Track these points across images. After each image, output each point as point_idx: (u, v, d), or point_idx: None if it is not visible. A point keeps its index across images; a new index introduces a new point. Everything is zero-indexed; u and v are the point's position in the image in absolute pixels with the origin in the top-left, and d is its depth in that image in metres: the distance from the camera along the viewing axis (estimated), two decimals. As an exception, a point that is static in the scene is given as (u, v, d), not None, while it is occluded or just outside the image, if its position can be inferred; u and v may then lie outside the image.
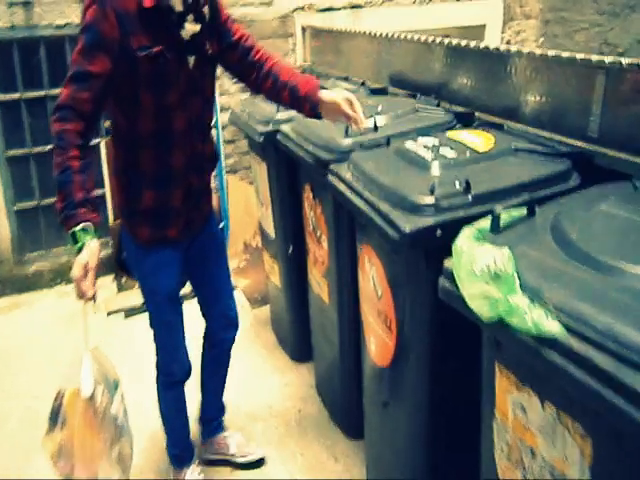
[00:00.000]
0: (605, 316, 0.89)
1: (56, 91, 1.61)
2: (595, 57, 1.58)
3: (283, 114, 2.38)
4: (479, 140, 1.67)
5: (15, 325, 3.24)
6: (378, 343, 1.76)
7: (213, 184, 2.23)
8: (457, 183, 1.41)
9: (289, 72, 1.88)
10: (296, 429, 2.41)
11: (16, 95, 3.38)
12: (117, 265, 3.32)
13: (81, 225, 1.51)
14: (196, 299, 2.10)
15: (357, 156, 1.77)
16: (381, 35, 2.69)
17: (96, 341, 1.65)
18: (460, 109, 2.09)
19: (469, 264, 1.02)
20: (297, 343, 2.79)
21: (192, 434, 2.18)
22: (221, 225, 3.39)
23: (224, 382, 2.23)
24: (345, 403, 2.32)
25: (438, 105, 2.15)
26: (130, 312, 3.19)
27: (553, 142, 1.67)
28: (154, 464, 2.24)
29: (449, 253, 1.14)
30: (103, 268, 3.26)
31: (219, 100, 3.41)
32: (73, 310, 1.62)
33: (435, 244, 1.35)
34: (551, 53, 1.74)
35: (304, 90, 1.82)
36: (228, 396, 2.30)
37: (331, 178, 1.81)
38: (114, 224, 3.37)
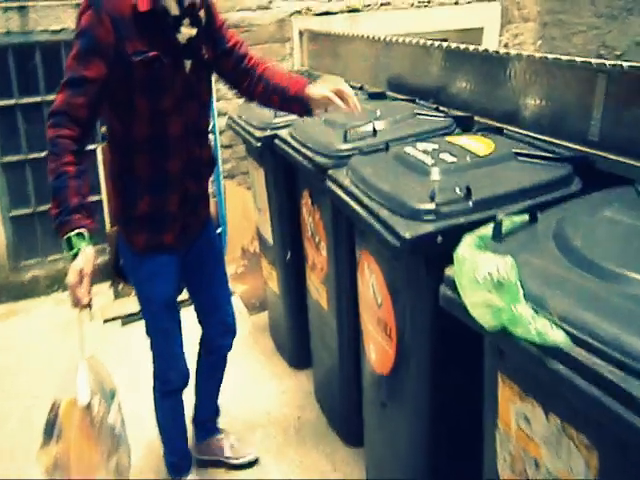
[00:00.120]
0: (611, 325, 0.88)
1: (52, 97, 1.59)
2: (596, 60, 1.56)
3: (281, 119, 2.37)
4: (479, 145, 1.65)
5: (12, 333, 3.21)
6: (378, 351, 1.74)
7: (211, 189, 2.22)
8: (457, 189, 1.40)
9: (279, 75, 1.88)
10: (295, 437, 2.38)
11: (12, 101, 3.36)
12: (115, 272, 3.32)
13: (76, 231, 1.49)
14: (193, 306, 2.08)
15: (356, 161, 1.75)
16: (379, 39, 2.68)
17: (92, 349, 1.63)
18: (459, 113, 2.07)
19: (471, 272, 1.00)
20: (295, 349, 2.77)
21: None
22: (219, 230, 3.38)
23: (220, 385, 2.22)
24: (344, 410, 2.30)
25: (437, 109, 2.13)
26: (127, 319, 3.16)
27: (553, 146, 1.66)
28: (151, 473, 2.21)
29: (450, 260, 1.12)
30: (100, 275, 3.27)
31: (216, 105, 3.39)
32: (70, 317, 1.60)
33: (435, 251, 1.33)
34: (551, 56, 1.72)
35: (293, 90, 1.82)
36: (226, 403, 2.28)
37: (329, 184, 1.79)
38: (111, 231, 3.36)
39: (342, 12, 3.82)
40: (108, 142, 1.80)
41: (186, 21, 1.64)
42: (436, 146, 1.66)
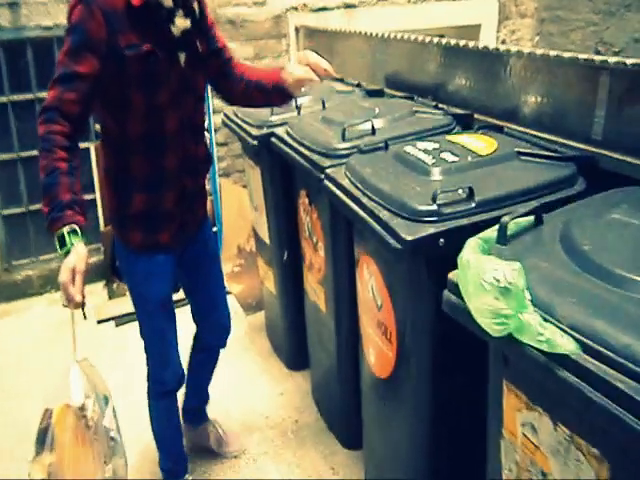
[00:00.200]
0: (622, 333, 0.85)
1: (44, 94, 1.56)
2: (598, 57, 1.54)
3: (277, 117, 2.33)
4: (480, 143, 1.62)
5: (5, 333, 3.17)
6: (377, 354, 1.71)
7: (207, 187, 2.19)
8: (459, 189, 1.36)
9: (255, 72, 1.91)
10: (293, 440, 2.35)
11: (3, 98, 3.31)
12: (111, 272, 3.28)
13: (68, 227, 1.44)
14: (188, 306, 2.05)
15: (354, 160, 1.72)
16: (376, 35, 2.64)
17: (85, 351, 1.59)
18: (458, 111, 2.04)
19: (476, 277, 0.97)
20: (292, 351, 2.73)
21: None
22: (214, 229, 3.34)
23: (211, 376, 2.23)
24: (343, 412, 2.27)
25: (436, 107, 2.10)
26: (121, 320, 3.12)
27: (556, 145, 1.63)
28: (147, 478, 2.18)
29: (452, 262, 1.08)
30: (94, 274, 3.23)
31: (212, 102, 3.35)
32: (63, 317, 1.55)
33: (437, 253, 1.30)
34: (552, 53, 1.69)
35: (271, 82, 1.84)
36: (222, 405, 2.24)
37: (327, 183, 1.75)
38: (105, 230, 3.32)
39: (338, 8, 3.77)
40: (102, 140, 1.77)
41: (180, 12, 1.61)
42: (437, 145, 1.63)
